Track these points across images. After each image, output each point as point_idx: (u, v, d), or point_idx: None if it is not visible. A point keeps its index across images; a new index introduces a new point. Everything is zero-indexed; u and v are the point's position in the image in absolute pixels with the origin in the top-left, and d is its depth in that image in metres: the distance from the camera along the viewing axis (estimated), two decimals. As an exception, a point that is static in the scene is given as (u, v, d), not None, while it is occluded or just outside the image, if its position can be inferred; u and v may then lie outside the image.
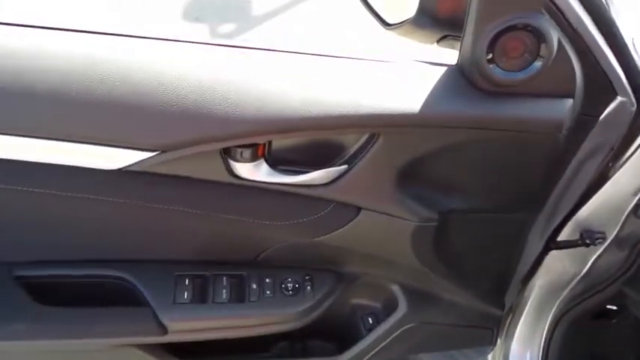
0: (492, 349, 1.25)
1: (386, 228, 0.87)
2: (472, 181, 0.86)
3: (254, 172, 0.78)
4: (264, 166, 0.78)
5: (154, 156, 0.72)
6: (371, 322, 1.12)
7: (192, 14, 2.76)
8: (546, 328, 1.38)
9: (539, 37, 0.66)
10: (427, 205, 0.86)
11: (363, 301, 1.12)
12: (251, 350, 1.05)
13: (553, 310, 1.30)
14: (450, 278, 1.00)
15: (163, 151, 0.72)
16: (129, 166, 0.73)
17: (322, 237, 0.87)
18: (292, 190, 0.81)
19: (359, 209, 0.85)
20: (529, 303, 1.13)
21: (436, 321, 1.09)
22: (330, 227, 0.86)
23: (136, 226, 0.86)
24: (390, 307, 1.07)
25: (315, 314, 0.96)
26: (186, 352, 0.99)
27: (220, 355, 1.03)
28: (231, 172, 0.78)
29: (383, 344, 1.08)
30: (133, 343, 0.90)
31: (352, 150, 0.79)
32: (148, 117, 0.70)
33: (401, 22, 0.83)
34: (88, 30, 0.74)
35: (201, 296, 0.92)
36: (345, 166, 0.79)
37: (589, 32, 0.67)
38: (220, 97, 0.69)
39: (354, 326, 1.11)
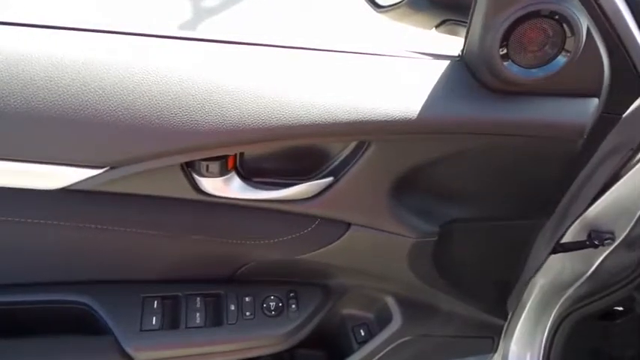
0: (492, 357, 1.18)
1: (380, 245, 0.76)
2: (478, 189, 0.75)
3: (224, 187, 0.66)
4: (235, 180, 0.66)
5: (101, 173, 0.60)
6: (363, 334, 1.03)
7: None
8: (547, 328, 1.31)
9: (566, 26, 0.54)
10: (426, 218, 0.76)
11: (354, 312, 1.03)
12: None
13: (555, 310, 1.22)
14: (450, 291, 0.91)
15: (112, 168, 0.60)
16: (72, 185, 0.61)
17: (307, 254, 0.77)
18: (270, 206, 0.70)
19: (348, 224, 0.74)
20: (529, 303, 1.05)
21: (433, 333, 1.01)
22: (316, 245, 0.76)
23: (93, 249, 0.74)
24: (384, 318, 0.99)
25: (301, 335, 0.87)
26: None
27: None
28: (196, 188, 0.66)
29: (376, 358, 1.00)
30: None
31: (339, 159, 0.68)
32: (90, 129, 0.58)
33: (394, 4, 0.71)
34: (16, 23, 0.60)
35: (172, 321, 0.81)
36: (330, 178, 0.67)
37: (624, 21, 0.56)
38: (178, 101, 0.57)
39: (345, 338, 1.02)
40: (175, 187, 0.65)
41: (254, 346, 0.84)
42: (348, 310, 1.02)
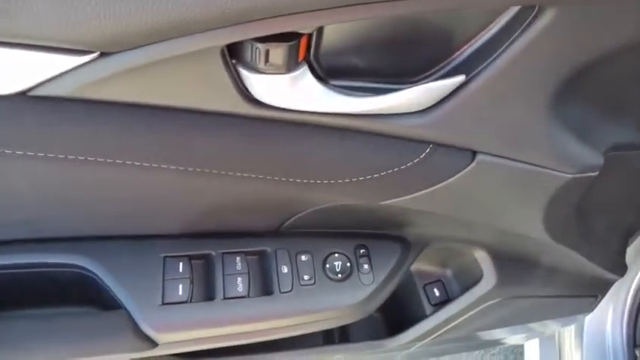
0: (585, 317, 0.98)
1: (515, 185, 0.52)
2: None
3: (290, 93, 0.41)
4: (307, 82, 0.41)
5: (86, 64, 0.35)
6: (438, 294, 0.82)
7: None
8: (635, 281, 1.11)
9: None
10: (590, 144, 0.51)
11: (427, 267, 0.82)
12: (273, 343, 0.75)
13: None
14: (577, 244, 0.68)
15: (104, 54, 0.35)
16: (39, 87, 0.36)
17: (400, 198, 0.53)
18: (357, 125, 0.45)
19: (473, 154, 0.49)
20: None
21: (529, 294, 0.79)
22: (420, 185, 0.51)
23: (91, 192, 0.51)
24: (468, 276, 0.77)
25: (376, 303, 0.65)
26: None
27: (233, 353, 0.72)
28: (245, 94, 0.42)
29: (455, 323, 0.79)
30: None
31: (477, 44, 0.42)
32: None
33: None
34: None
35: (205, 290, 0.59)
36: (459, 78, 0.42)
37: None
38: None
39: (414, 299, 0.82)
40: (211, 93, 0.40)
41: (316, 320, 0.62)
42: (419, 266, 0.81)
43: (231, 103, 0.41)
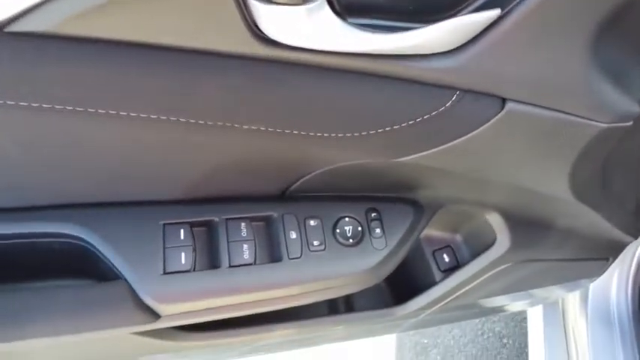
0: (591, 282, 0.97)
1: (544, 135, 0.48)
2: None
3: (303, 27, 0.37)
4: (324, 16, 0.37)
5: None
6: (447, 259, 0.80)
7: None
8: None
9: None
10: (627, 91, 0.47)
11: (437, 233, 0.79)
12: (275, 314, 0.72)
13: None
14: (596, 203, 0.65)
15: None
16: (15, 21, 0.31)
17: (420, 154, 0.49)
18: (376, 67, 0.41)
19: (503, 101, 0.45)
20: None
21: (541, 257, 0.77)
22: (442, 138, 0.47)
23: (79, 151, 0.46)
24: (479, 240, 0.75)
25: (389, 268, 0.62)
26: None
27: (241, 324, 0.69)
28: (254, 30, 0.37)
29: (464, 289, 0.77)
30: (104, 337, 0.55)
31: None
32: None
33: None
34: None
35: (209, 258, 0.55)
36: (495, 12, 0.38)
37: None
38: None
39: (423, 265, 0.79)
40: (215, 28, 0.36)
41: (327, 287, 0.59)
42: (427, 231, 0.78)
43: (239, 40, 0.37)
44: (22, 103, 0.38)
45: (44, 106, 0.38)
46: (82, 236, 0.53)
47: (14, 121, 0.40)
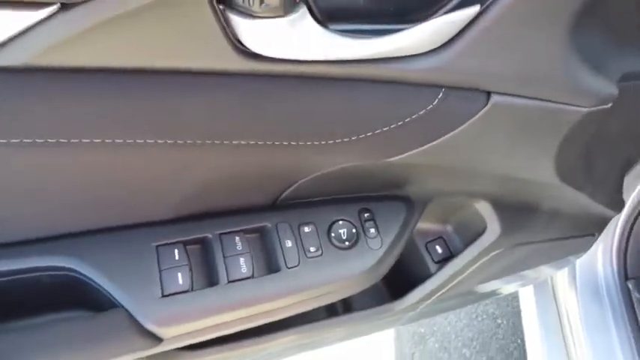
0: (577, 258, 0.99)
1: (528, 124, 0.49)
2: None
3: (286, 39, 0.36)
4: (306, 25, 0.36)
5: (44, 20, 0.29)
6: (440, 251, 0.81)
7: None
8: (622, 217, 1.13)
9: None
10: (605, 74, 0.48)
11: (428, 226, 0.80)
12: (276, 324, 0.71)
13: (637, 190, 1.03)
14: (580, 183, 0.67)
15: (64, 5, 0.29)
16: None
17: (411, 152, 0.49)
18: (362, 72, 0.41)
19: (487, 95, 0.46)
20: None
21: (531, 240, 0.79)
22: (432, 135, 0.48)
23: (64, 180, 0.45)
24: (470, 228, 0.75)
25: (385, 267, 0.62)
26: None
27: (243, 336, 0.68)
28: (235, 43, 0.36)
29: (460, 278, 0.78)
30: None
31: None
32: None
33: None
34: None
35: (207, 275, 0.55)
36: (474, 8, 0.38)
37: None
38: None
39: (417, 258, 0.80)
40: (197, 47, 0.35)
41: (328, 291, 0.59)
42: (419, 225, 0.78)
43: (222, 57, 0.36)
44: (1, 141, 0.37)
45: (25, 140, 0.37)
46: (72, 267, 0.51)
47: None
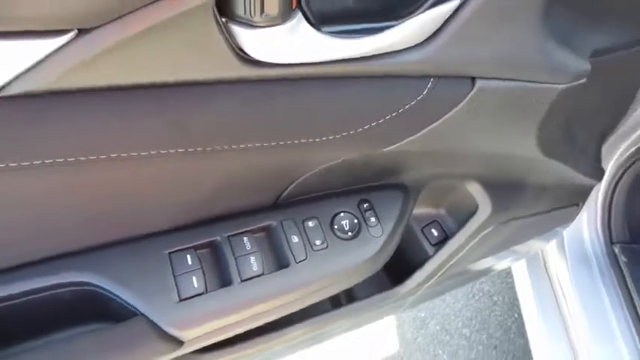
0: (564, 229, 1.04)
1: (511, 104, 0.53)
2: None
3: (285, 45, 0.39)
4: (303, 30, 0.39)
5: (63, 46, 0.31)
6: (436, 233, 0.84)
7: None
8: (603, 186, 1.18)
9: None
10: (577, 52, 0.52)
11: (423, 210, 0.83)
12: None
13: (614, 158, 1.08)
14: (561, 155, 0.71)
15: (82, 31, 0.31)
16: (10, 84, 0.32)
17: (406, 140, 0.52)
18: (357, 69, 0.43)
19: (472, 80, 0.49)
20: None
21: (521, 215, 0.82)
22: (424, 122, 0.51)
23: (74, 199, 0.46)
24: (462, 210, 0.79)
25: (388, 253, 0.65)
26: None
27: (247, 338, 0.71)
28: (238, 52, 0.39)
29: (457, 258, 0.82)
30: None
31: None
32: None
33: None
34: None
35: (220, 276, 0.57)
36: (454, 2, 0.41)
37: None
38: None
39: (414, 243, 0.83)
40: (203, 59, 0.37)
41: (335, 281, 0.61)
42: (414, 210, 0.82)
43: (227, 66, 0.38)
44: (11, 165, 0.38)
45: (46, 161, 0.39)
46: (89, 281, 0.53)
47: (13, 181, 0.40)
